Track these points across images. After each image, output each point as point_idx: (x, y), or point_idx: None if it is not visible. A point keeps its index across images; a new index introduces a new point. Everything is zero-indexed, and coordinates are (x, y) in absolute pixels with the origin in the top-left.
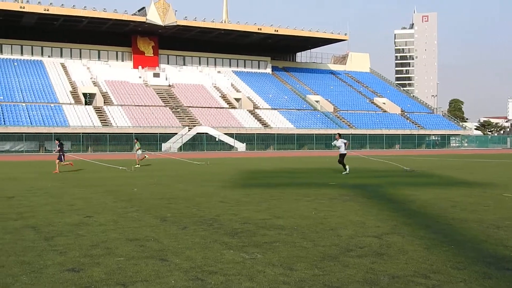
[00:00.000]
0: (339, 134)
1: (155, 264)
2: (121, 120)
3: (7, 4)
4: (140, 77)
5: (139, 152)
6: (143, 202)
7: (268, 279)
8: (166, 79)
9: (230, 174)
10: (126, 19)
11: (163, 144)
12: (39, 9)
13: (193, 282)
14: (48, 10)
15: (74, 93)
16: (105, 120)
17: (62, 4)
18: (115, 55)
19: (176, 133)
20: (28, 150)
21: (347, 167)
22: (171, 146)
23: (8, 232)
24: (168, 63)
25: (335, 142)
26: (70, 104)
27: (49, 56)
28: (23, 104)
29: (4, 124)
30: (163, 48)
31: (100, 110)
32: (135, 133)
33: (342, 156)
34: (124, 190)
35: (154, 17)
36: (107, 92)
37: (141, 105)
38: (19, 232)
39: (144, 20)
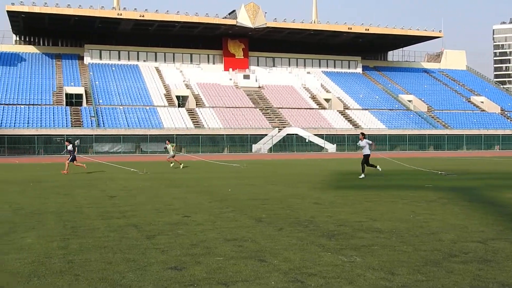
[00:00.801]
0: (363, 134)
1: (254, 265)
2: (212, 122)
3: (105, 12)
4: (230, 79)
5: (171, 153)
6: (238, 202)
7: (369, 283)
8: (256, 80)
9: (321, 175)
10: (217, 22)
11: (253, 145)
12: (135, 16)
13: (293, 284)
14: (143, 16)
15: (168, 96)
16: (197, 122)
17: (156, 10)
18: (206, 58)
19: (266, 134)
20: (125, 151)
21: (363, 174)
22: (261, 147)
23: (113, 230)
24: (257, 65)
25: (359, 142)
26: (164, 106)
27: (144, 61)
28: (121, 107)
29: (104, 126)
30: (253, 50)
31: (193, 112)
32: (226, 135)
33: (366, 157)
34: (218, 190)
35: (244, 19)
36: (199, 95)
37: (232, 107)
38: (123, 230)
39: (235, 23)
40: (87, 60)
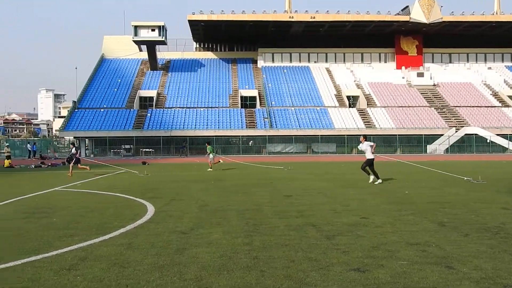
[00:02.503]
0: (364, 136)
1: (441, 271)
2: (384, 122)
3: (278, 16)
4: (403, 78)
5: (211, 156)
6: (417, 205)
7: None
8: (431, 78)
9: (506, 178)
10: (389, 19)
11: (428, 146)
12: (306, 18)
13: None
14: (314, 17)
15: (338, 96)
16: (368, 122)
17: (327, 11)
18: (377, 57)
19: (442, 135)
20: (297, 151)
21: (371, 177)
22: (436, 148)
23: (293, 229)
24: (432, 62)
25: (360, 145)
26: (335, 107)
27: (315, 62)
28: (292, 108)
29: (276, 127)
30: (427, 46)
31: (364, 112)
32: (399, 135)
33: (369, 161)
34: (394, 192)
35: (418, 15)
36: (370, 94)
37: (405, 106)
38: (302, 230)
39: (408, 19)
40: (260, 63)
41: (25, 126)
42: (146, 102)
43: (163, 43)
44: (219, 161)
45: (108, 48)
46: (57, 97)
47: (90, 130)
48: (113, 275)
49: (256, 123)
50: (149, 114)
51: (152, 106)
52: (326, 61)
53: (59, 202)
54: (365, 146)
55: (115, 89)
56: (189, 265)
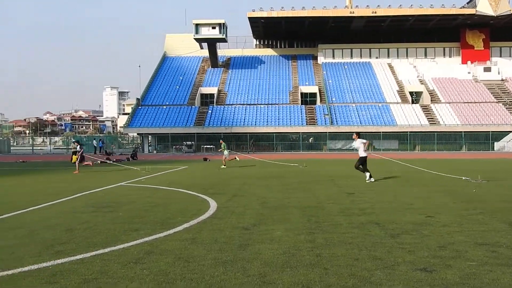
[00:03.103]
0: (358, 134)
1: None
2: (449, 118)
3: (338, 11)
4: (469, 73)
5: (226, 152)
6: (486, 204)
7: None
8: (498, 73)
9: None
10: (454, 13)
11: (495, 143)
12: (367, 13)
13: None
14: (375, 12)
15: (400, 92)
16: (432, 118)
17: (389, 5)
18: (441, 52)
19: (510, 131)
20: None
21: (367, 174)
22: (505, 145)
23: (355, 227)
24: (500, 56)
25: (353, 143)
26: (397, 103)
27: (376, 57)
28: (353, 105)
29: (337, 124)
30: (494, 40)
31: (427, 108)
32: (464, 132)
33: (362, 159)
34: (462, 190)
35: (484, 7)
36: (434, 90)
37: (471, 102)
38: (365, 228)
39: (474, 12)
40: (320, 59)
41: (91, 123)
42: (207, 99)
43: (223, 40)
44: (235, 158)
45: (170, 46)
46: (121, 95)
47: (153, 127)
48: (178, 269)
49: (316, 119)
50: (210, 111)
51: (213, 103)
52: (388, 56)
53: (124, 197)
54: (358, 143)
55: (177, 87)
56: (252, 261)
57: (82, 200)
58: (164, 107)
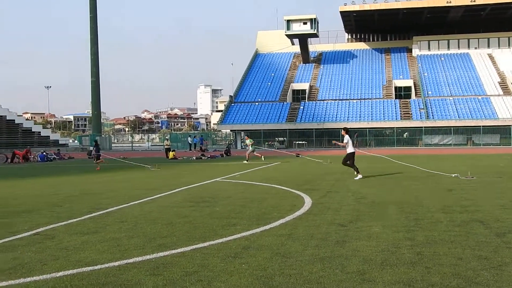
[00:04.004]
0: (346, 130)
1: None
2: None
3: (434, 1)
4: None
5: (251, 148)
6: None
7: None
8: None
9: None
10: None
11: None
12: (466, 1)
13: None
14: (474, 1)
15: (502, 84)
16: None
17: None
18: None
19: None
20: (456, 143)
21: (357, 174)
22: None
23: (457, 225)
24: None
25: (346, 138)
26: (498, 95)
27: (475, 48)
28: (450, 98)
29: (433, 118)
30: None
31: None
32: None
33: (350, 155)
34: None
35: None
36: None
37: None
38: (468, 226)
39: None
40: (415, 52)
41: (186, 120)
42: (298, 95)
43: (315, 35)
44: (260, 156)
45: (261, 43)
46: (215, 92)
47: (246, 124)
48: (276, 264)
49: (411, 114)
50: (301, 107)
51: (305, 99)
52: (488, 46)
53: (220, 192)
54: (346, 139)
55: (269, 83)
56: (350, 258)
57: (181, 195)
58: (256, 103)
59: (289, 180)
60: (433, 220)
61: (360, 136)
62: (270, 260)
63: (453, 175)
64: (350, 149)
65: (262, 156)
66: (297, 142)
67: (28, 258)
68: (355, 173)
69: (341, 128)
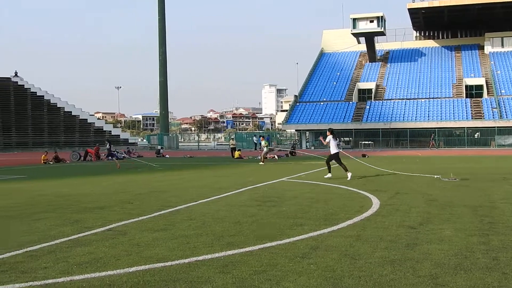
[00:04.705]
0: (331, 130)
1: None
2: None
3: None
4: None
5: (266, 149)
6: None
7: None
8: None
9: None
10: None
11: None
12: None
13: None
14: None
15: None
16: None
17: None
18: None
19: None
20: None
21: (329, 174)
22: None
23: None
24: None
25: (327, 138)
26: None
27: None
28: None
29: (506, 117)
30: None
31: None
32: None
33: (333, 156)
34: None
35: None
36: None
37: None
38: None
39: None
40: (487, 49)
41: (251, 119)
42: (364, 95)
43: (381, 34)
44: (274, 157)
45: (327, 42)
46: (279, 92)
47: (311, 123)
48: (345, 266)
49: (483, 113)
50: (368, 107)
51: (371, 98)
52: None
53: (286, 192)
54: (328, 139)
55: (334, 83)
56: (422, 261)
57: (247, 194)
58: (322, 103)
59: (355, 180)
60: (509, 225)
61: (427, 136)
62: (338, 261)
63: (436, 176)
64: (333, 149)
65: (276, 156)
66: (363, 142)
67: (102, 253)
68: (345, 172)
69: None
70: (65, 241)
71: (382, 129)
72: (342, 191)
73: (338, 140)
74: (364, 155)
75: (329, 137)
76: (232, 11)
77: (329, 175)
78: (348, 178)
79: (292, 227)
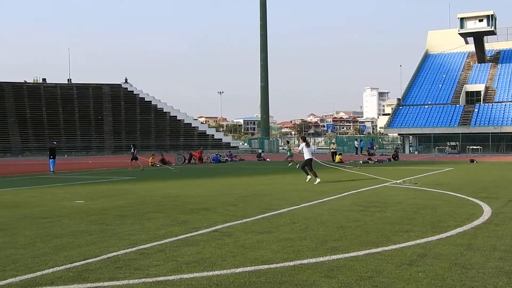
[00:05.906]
0: (303, 138)
1: None
2: None
3: None
4: None
5: (289, 153)
6: None
7: None
8: None
9: None
10: None
11: None
12: None
13: None
14: None
15: None
16: None
17: None
18: None
19: None
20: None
21: (308, 176)
22: None
23: None
24: None
25: (300, 146)
26: None
27: None
28: None
29: None
30: None
31: None
32: None
33: (306, 162)
34: None
35: None
36: None
37: None
38: None
39: None
40: None
41: (351, 123)
42: (473, 97)
43: (492, 33)
44: (292, 160)
45: (432, 43)
46: (381, 95)
47: (414, 127)
48: (456, 275)
49: None
50: (476, 110)
51: (480, 101)
52: None
53: (391, 197)
54: (301, 147)
55: (440, 85)
56: None
57: (350, 199)
58: (426, 106)
59: (464, 187)
60: None
61: None
62: (448, 270)
63: (399, 181)
64: (306, 155)
65: (293, 162)
66: (471, 147)
67: (209, 253)
68: (314, 177)
69: (300, 137)
70: (174, 240)
71: (492, 133)
72: (450, 197)
73: (310, 147)
74: (472, 161)
75: (302, 145)
76: (332, 13)
77: (314, 176)
78: (316, 182)
79: (397, 233)
